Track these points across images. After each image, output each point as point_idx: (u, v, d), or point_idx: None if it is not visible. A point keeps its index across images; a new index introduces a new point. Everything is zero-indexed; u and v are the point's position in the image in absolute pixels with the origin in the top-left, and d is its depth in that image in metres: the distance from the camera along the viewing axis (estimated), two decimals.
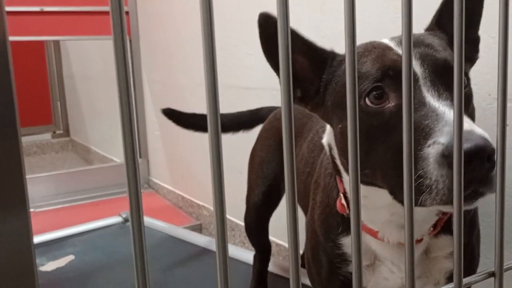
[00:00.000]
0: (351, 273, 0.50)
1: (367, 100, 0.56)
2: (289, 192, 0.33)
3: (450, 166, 0.46)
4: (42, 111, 3.42)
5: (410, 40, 0.35)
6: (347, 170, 0.62)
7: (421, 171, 0.50)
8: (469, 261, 0.69)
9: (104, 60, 2.64)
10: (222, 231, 0.30)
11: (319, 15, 1.18)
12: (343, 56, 0.62)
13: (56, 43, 3.30)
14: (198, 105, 1.79)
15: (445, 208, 0.52)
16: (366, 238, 0.67)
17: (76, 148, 3.47)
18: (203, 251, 1.40)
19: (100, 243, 1.51)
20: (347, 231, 0.68)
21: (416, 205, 0.49)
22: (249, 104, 1.25)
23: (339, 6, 1.15)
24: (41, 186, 2.06)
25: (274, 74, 1.47)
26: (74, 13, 1.94)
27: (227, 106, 1.24)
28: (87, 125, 3.18)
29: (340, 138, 0.61)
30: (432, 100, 0.53)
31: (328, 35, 1.17)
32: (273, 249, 1.45)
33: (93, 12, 1.96)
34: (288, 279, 1.27)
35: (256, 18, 0.55)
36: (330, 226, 0.69)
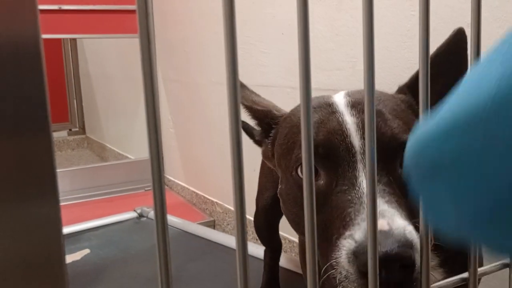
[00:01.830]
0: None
1: (298, 171, 0.53)
2: (308, 191, 0.34)
3: (359, 266, 0.43)
4: (59, 109, 3.47)
5: (427, 37, 0.35)
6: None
7: (334, 260, 0.47)
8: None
9: (120, 58, 2.67)
10: (242, 229, 0.30)
11: (334, 13, 1.18)
12: (288, 113, 0.63)
13: (73, 41, 3.34)
14: (214, 104, 1.80)
15: None
16: None
17: (92, 146, 3.51)
18: (217, 247, 1.41)
19: (115, 238, 1.53)
20: None
21: None
22: None
23: (355, 4, 1.14)
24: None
25: (288, 72, 1.47)
26: (92, 11, 1.96)
27: None
28: (102, 123, 3.22)
29: (281, 198, 0.60)
30: (364, 182, 0.48)
31: (343, 33, 1.17)
32: (286, 245, 1.46)
33: (111, 10, 1.99)
34: (299, 274, 1.26)
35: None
36: None
